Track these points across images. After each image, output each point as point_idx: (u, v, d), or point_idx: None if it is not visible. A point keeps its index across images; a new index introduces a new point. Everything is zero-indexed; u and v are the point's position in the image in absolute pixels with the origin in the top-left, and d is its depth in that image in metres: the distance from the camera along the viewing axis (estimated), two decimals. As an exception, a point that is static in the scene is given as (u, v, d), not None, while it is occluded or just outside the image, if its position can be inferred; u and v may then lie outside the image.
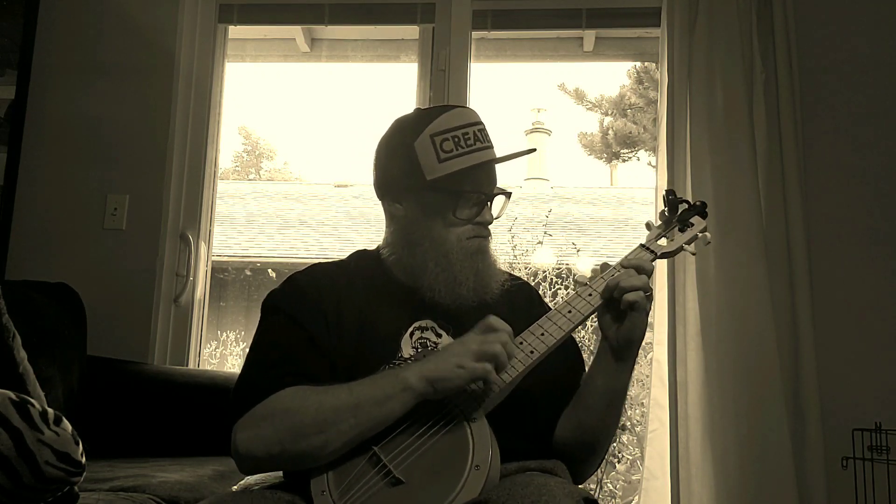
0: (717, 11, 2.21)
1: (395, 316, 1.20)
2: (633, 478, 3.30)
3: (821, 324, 2.08)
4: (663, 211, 1.28)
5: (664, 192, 1.30)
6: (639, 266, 1.16)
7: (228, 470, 1.70)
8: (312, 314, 1.18)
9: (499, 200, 1.27)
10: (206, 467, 1.72)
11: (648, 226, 1.27)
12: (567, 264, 3.98)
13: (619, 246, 4.87)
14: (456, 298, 1.19)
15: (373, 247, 1.33)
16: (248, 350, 1.21)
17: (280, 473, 1.18)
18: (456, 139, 1.20)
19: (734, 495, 1.97)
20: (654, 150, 2.54)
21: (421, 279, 1.20)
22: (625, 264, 1.18)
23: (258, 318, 1.23)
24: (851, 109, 2.27)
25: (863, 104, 2.27)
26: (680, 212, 1.28)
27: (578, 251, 4.10)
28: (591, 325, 3.49)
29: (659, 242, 1.23)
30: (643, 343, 1.18)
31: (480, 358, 1.03)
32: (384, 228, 1.31)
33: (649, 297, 1.15)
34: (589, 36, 2.76)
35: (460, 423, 1.03)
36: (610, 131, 6.83)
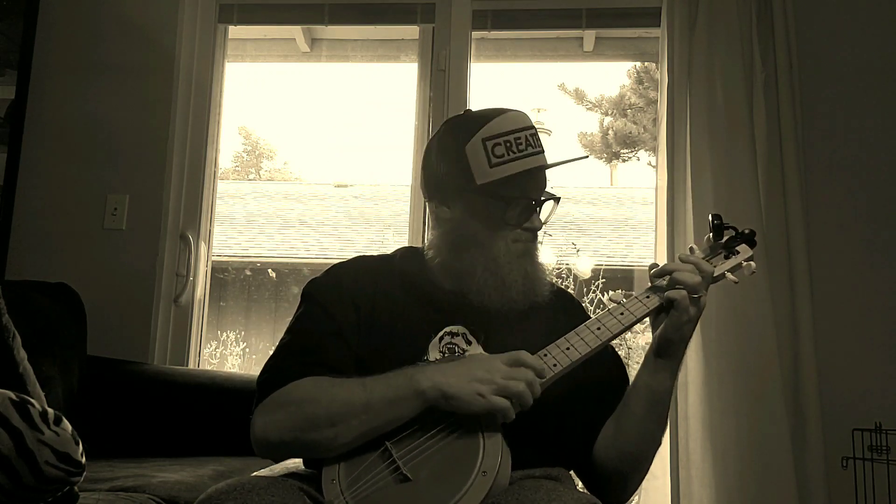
0: (717, 11, 2.21)
1: (428, 318, 1.20)
2: (633, 478, 3.30)
3: (821, 324, 2.08)
4: (709, 236, 1.25)
5: (710, 217, 1.25)
6: (699, 265, 1.14)
7: (228, 470, 1.70)
8: (345, 306, 1.20)
9: (547, 205, 1.27)
10: (206, 467, 1.71)
11: (691, 250, 1.22)
12: (567, 264, 3.97)
13: (618, 246, 4.86)
14: (506, 302, 1.18)
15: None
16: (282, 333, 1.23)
17: (300, 462, 1.21)
18: (508, 144, 1.19)
19: (734, 495, 1.97)
20: (654, 150, 2.54)
21: (468, 283, 1.19)
22: (684, 259, 1.16)
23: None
24: (851, 109, 2.27)
25: (863, 104, 2.27)
26: (726, 239, 1.25)
27: (578, 251, 4.10)
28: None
29: None
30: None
31: (502, 393, 1.01)
32: (422, 229, 1.29)
33: (695, 301, 1.11)
34: (589, 36, 2.76)
35: (475, 429, 1.03)
36: (610, 131, 6.82)
